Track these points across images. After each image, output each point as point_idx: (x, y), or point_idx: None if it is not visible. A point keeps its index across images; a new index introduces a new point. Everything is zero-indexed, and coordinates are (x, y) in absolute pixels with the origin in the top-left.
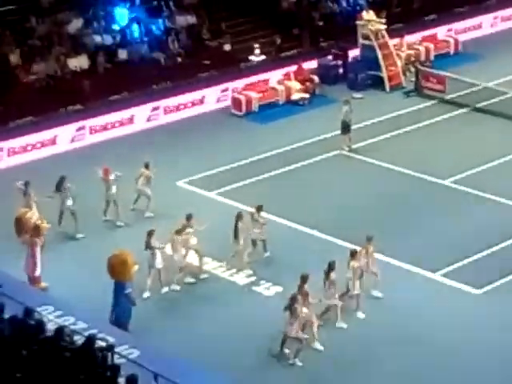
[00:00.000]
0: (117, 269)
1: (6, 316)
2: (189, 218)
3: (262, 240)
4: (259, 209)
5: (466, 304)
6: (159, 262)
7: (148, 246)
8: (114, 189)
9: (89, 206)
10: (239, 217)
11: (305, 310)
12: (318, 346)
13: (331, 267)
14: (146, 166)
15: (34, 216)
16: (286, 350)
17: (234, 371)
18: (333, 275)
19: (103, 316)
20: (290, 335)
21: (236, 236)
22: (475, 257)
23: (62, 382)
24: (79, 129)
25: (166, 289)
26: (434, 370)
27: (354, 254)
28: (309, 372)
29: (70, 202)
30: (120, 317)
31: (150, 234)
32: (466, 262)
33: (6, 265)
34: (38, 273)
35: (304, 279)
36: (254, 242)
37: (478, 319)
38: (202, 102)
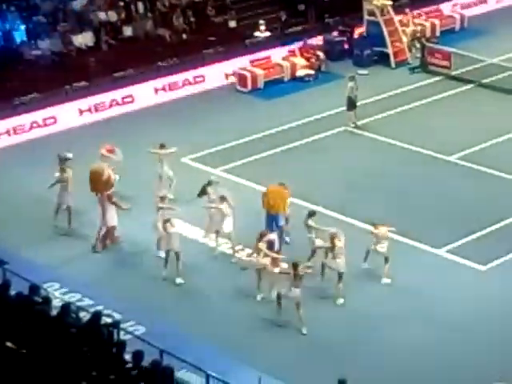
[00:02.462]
0: (276, 202)
1: (13, 293)
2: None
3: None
4: (311, 214)
5: (470, 280)
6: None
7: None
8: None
9: None
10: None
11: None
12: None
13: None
14: (162, 147)
15: (105, 171)
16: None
17: (242, 346)
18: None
19: (109, 293)
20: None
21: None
22: (480, 233)
23: (68, 359)
24: (84, 105)
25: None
26: (437, 345)
27: (333, 237)
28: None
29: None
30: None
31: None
32: (470, 238)
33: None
34: (114, 223)
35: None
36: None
37: (483, 295)
38: (207, 78)
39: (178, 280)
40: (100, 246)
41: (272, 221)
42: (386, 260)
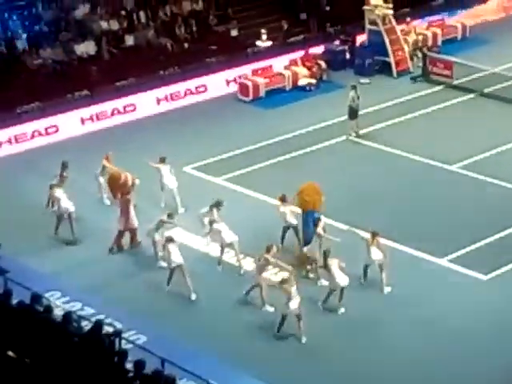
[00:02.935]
0: (313, 197)
1: (14, 302)
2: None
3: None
4: (375, 235)
5: (472, 290)
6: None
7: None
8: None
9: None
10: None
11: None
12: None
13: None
14: (162, 161)
15: (122, 175)
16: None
17: (243, 355)
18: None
19: (111, 302)
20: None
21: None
22: (482, 242)
23: (69, 368)
24: (86, 115)
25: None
26: (437, 354)
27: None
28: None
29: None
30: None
31: None
32: (472, 247)
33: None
34: (135, 225)
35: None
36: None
37: (484, 305)
38: (208, 87)
39: (193, 296)
40: (115, 247)
41: (308, 218)
42: (381, 268)
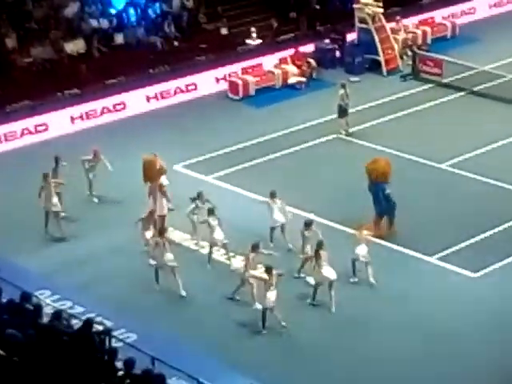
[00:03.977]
0: (381, 170)
1: (4, 300)
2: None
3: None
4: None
5: (461, 287)
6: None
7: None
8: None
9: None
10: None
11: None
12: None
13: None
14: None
15: (157, 162)
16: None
17: (232, 352)
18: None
19: (101, 300)
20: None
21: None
22: (471, 240)
23: (59, 366)
24: (76, 113)
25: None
26: (426, 354)
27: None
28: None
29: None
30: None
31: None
32: (462, 245)
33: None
34: (164, 212)
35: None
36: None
37: (474, 302)
38: (198, 86)
39: (183, 292)
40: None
41: (379, 189)
42: (367, 264)
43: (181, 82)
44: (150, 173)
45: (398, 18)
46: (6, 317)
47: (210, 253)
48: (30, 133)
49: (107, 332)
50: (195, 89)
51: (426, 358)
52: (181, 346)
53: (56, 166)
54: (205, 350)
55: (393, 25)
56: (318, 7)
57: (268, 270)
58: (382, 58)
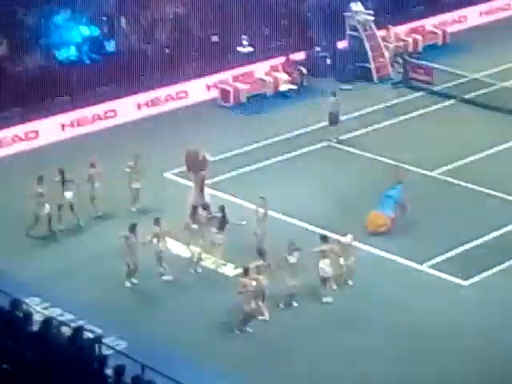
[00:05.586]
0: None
1: None
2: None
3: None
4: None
5: (452, 295)
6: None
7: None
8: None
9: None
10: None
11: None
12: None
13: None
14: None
15: (201, 153)
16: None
17: (223, 360)
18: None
19: (90, 307)
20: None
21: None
22: (462, 248)
23: (49, 374)
24: (66, 120)
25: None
26: (420, 360)
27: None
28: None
29: (69, 195)
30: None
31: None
32: (453, 253)
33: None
34: (208, 200)
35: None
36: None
37: (465, 310)
38: (189, 93)
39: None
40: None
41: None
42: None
43: (171, 90)
44: (193, 164)
45: (389, 25)
46: None
47: (199, 258)
48: (21, 140)
49: (97, 339)
50: (186, 96)
51: (418, 362)
52: (172, 353)
53: (62, 179)
54: (189, 355)
55: (384, 33)
56: (309, 15)
57: (245, 272)
58: (372, 66)
